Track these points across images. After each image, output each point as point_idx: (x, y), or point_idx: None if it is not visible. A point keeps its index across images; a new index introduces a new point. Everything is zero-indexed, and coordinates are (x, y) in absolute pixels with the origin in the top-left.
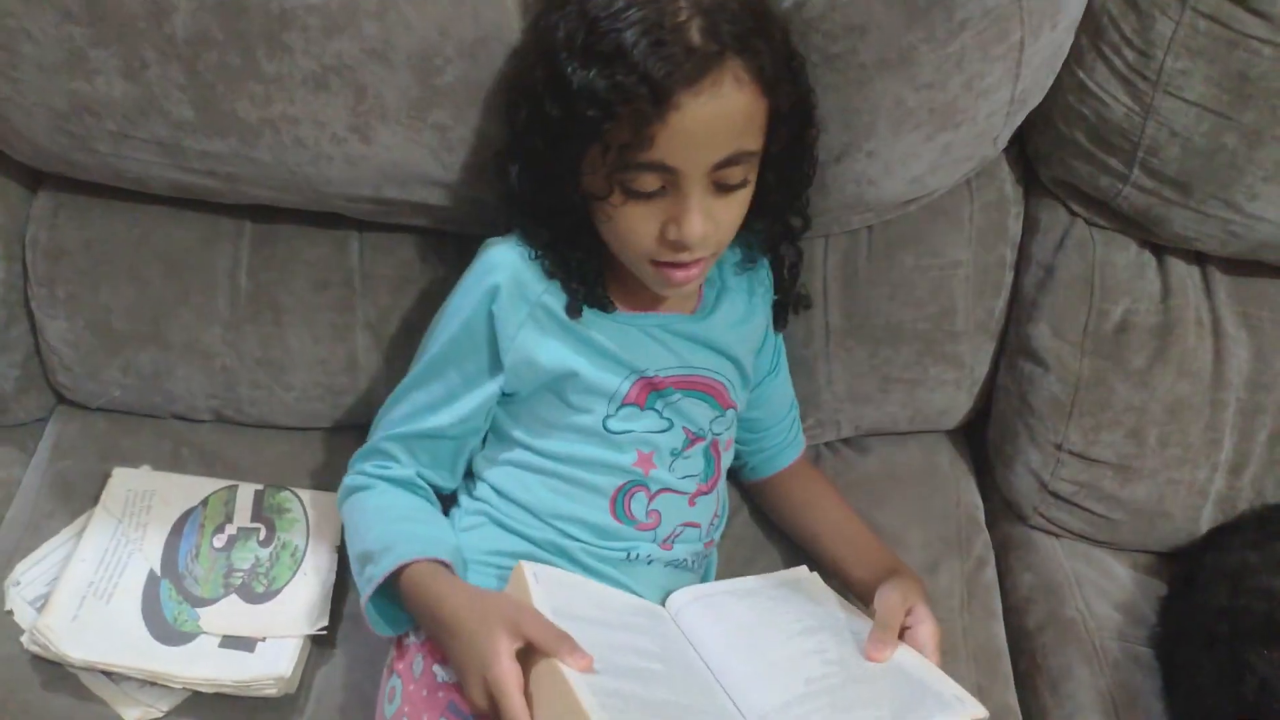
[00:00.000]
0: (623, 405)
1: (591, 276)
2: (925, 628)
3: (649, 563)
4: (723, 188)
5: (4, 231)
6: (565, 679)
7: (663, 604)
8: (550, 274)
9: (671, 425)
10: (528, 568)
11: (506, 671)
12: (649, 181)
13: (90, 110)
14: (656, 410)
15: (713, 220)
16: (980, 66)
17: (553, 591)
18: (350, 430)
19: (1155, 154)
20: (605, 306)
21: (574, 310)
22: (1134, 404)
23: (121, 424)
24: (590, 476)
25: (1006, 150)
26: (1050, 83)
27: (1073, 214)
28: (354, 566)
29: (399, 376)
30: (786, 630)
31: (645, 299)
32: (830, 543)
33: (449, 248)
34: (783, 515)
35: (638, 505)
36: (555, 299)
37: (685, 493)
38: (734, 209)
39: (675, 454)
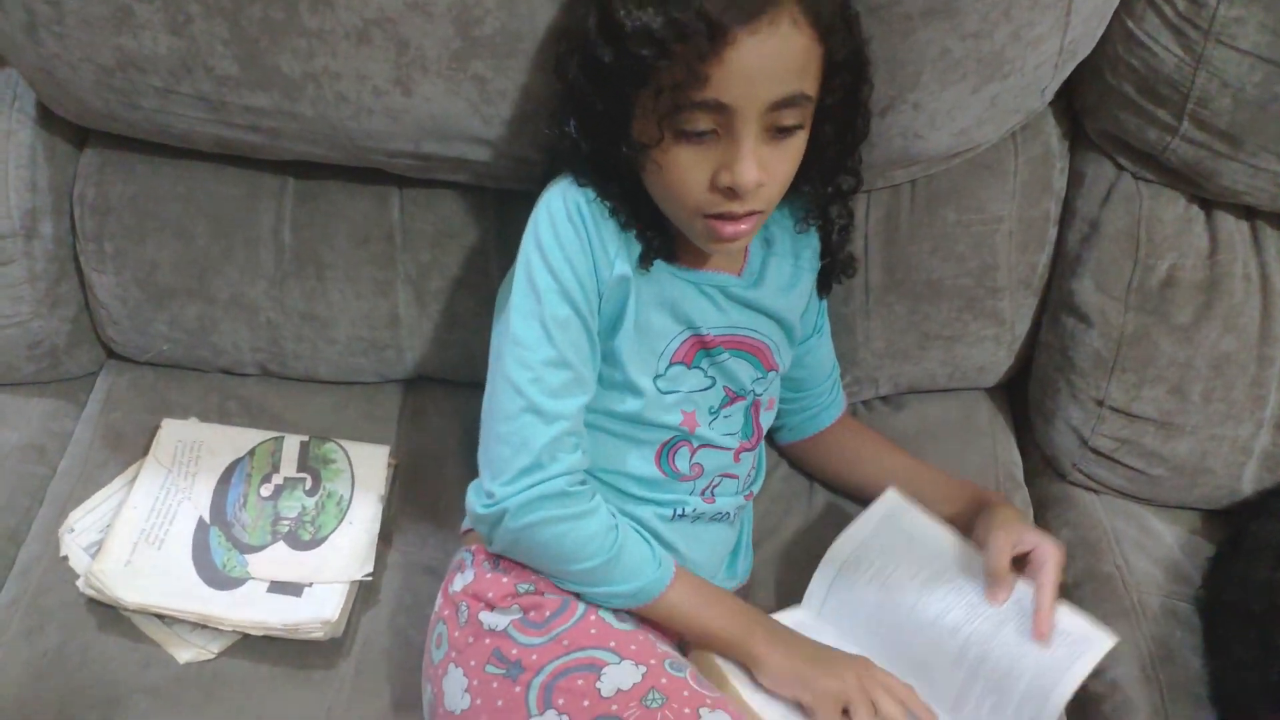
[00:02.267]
0: (671, 364)
1: (662, 225)
2: (1042, 549)
3: (694, 520)
4: (777, 132)
5: (53, 188)
6: None
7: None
8: (625, 225)
9: (714, 384)
10: (720, 662)
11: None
12: (702, 121)
13: (135, 65)
14: (702, 369)
15: (766, 169)
16: (1028, 15)
17: (743, 676)
18: (394, 384)
19: (1205, 105)
20: (670, 258)
21: (647, 260)
22: (1178, 360)
23: (169, 377)
24: (638, 432)
25: (1053, 103)
26: (1100, 32)
27: (1119, 168)
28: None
29: (439, 332)
30: (909, 597)
31: (696, 256)
32: (904, 488)
33: (488, 203)
34: (834, 470)
35: (681, 459)
36: (627, 249)
37: (728, 449)
38: (787, 159)
39: (714, 412)
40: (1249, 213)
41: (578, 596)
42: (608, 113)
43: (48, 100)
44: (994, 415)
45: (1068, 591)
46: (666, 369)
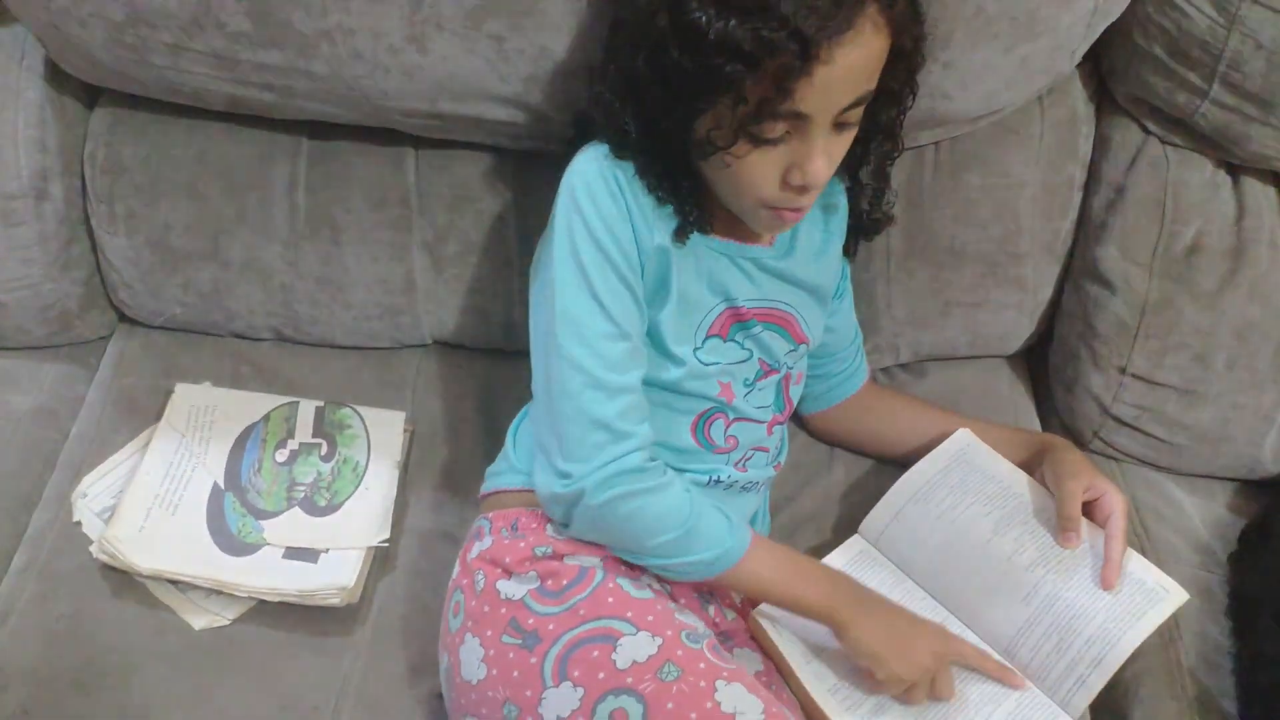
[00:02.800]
0: (708, 337)
1: (704, 202)
2: (1109, 498)
3: (727, 488)
4: (841, 127)
5: (63, 148)
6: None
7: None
8: (661, 200)
9: (751, 356)
10: (762, 618)
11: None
12: (779, 129)
13: (146, 21)
14: (738, 342)
15: (828, 160)
16: None
17: (789, 638)
18: (410, 350)
19: (1238, 68)
20: (705, 230)
21: (684, 233)
22: (1202, 327)
23: (182, 341)
24: (677, 401)
25: (1079, 67)
26: None
27: (1146, 132)
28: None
29: (456, 298)
30: (981, 533)
31: (728, 228)
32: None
33: (506, 165)
34: (867, 434)
35: (716, 430)
36: (662, 222)
37: (762, 421)
38: (846, 145)
39: (749, 384)
40: (1277, 179)
41: (651, 572)
42: (674, 111)
43: (57, 58)
44: (1014, 383)
45: None
46: (704, 341)
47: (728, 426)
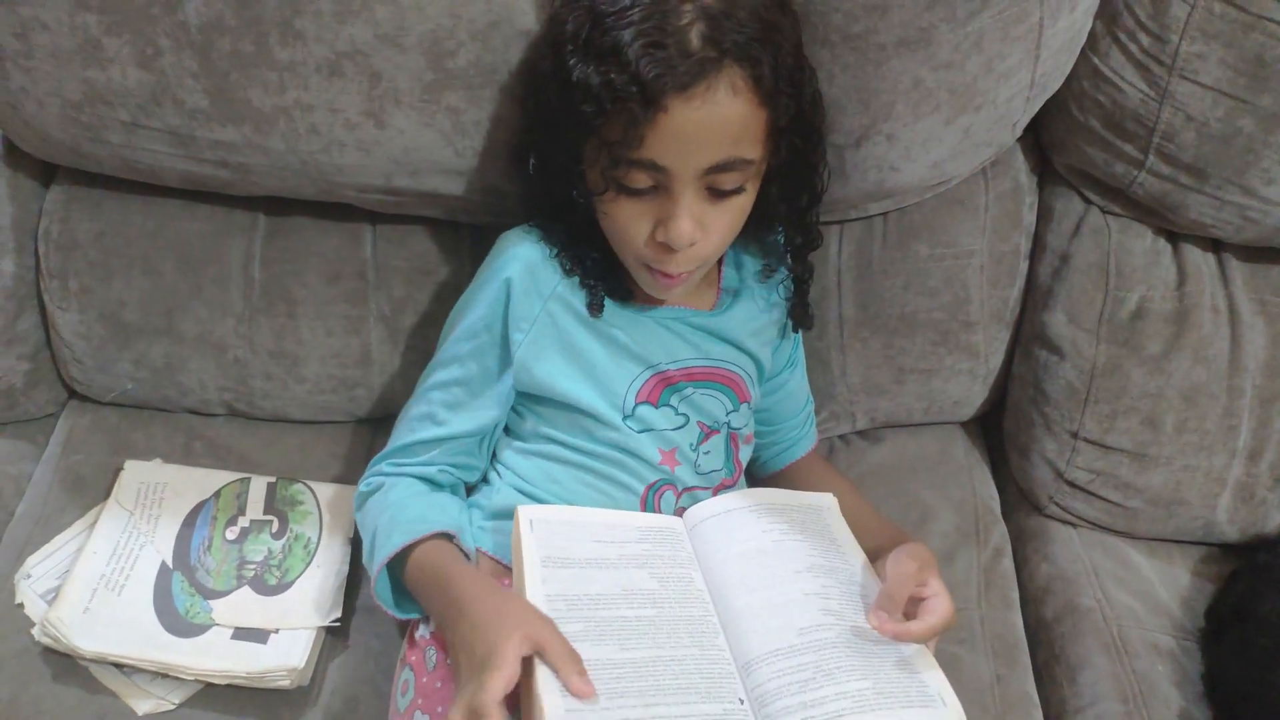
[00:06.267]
0: (638, 404)
1: (609, 272)
2: (940, 600)
3: None
4: (716, 193)
5: (16, 224)
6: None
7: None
8: (569, 271)
9: (687, 421)
10: (524, 513)
11: (509, 676)
12: (640, 179)
13: (103, 99)
14: (672, 406)
15: (702, 227)
16: (1000, 48)
17: (547, 539)
18: (365, 424)
19: (1171, 139)
20: (624, 297)
21: (595, 308)
22: (1150, 391)
23: (133, 418)
24: (620, 474)
25: (1021, 139)
26: (1069, 67)
27: (1088, 202)
28: (365, 556)
29: (413, 370)
30: (795, 564)
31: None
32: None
33: (464, 239)
34: None
35: (666, 503)
36: (574, 295)
37: (709, 488)
38: (726, 217)
39: (694, 449)
40: (1215, 245)
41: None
42: (559, 156)
43: (13, 136)
44: (970, 449)
45: (1046, 627)
46: (634, 409)
47: (678, 498)
